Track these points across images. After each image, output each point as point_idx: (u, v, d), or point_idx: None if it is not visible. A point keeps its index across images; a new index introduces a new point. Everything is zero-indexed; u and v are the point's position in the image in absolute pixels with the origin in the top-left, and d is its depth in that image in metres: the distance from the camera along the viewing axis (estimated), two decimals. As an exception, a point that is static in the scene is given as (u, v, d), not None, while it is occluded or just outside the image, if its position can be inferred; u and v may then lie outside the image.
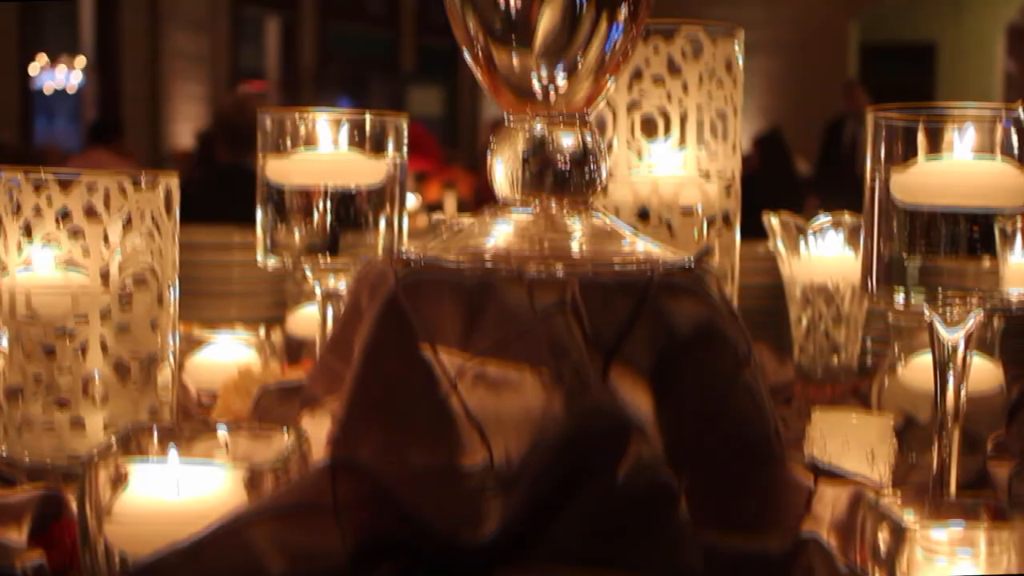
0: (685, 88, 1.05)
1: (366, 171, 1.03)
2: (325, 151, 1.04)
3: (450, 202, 4.74)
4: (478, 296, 0.73)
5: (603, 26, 0.75)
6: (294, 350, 1.37)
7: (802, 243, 1.28)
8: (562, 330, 0.71)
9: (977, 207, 0.81)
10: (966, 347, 0.84)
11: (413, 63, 15.86)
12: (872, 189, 0.86)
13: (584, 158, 0.78)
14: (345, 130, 1.04)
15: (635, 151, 1.05)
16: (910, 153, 0.84)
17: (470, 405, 0.71)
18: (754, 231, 4.96)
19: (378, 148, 1.04)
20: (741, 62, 1.08)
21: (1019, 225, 0.82)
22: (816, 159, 9.21)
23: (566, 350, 0.71)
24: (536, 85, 0.77)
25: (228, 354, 1.19)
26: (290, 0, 13.92)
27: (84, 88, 12.06)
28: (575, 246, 0.79)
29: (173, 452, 0.73)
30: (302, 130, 1.04)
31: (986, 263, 0.81)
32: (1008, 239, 0.81)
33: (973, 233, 0.81)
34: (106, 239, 0.86)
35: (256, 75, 14.07)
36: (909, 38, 17.65)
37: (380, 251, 1.02)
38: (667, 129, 1.05)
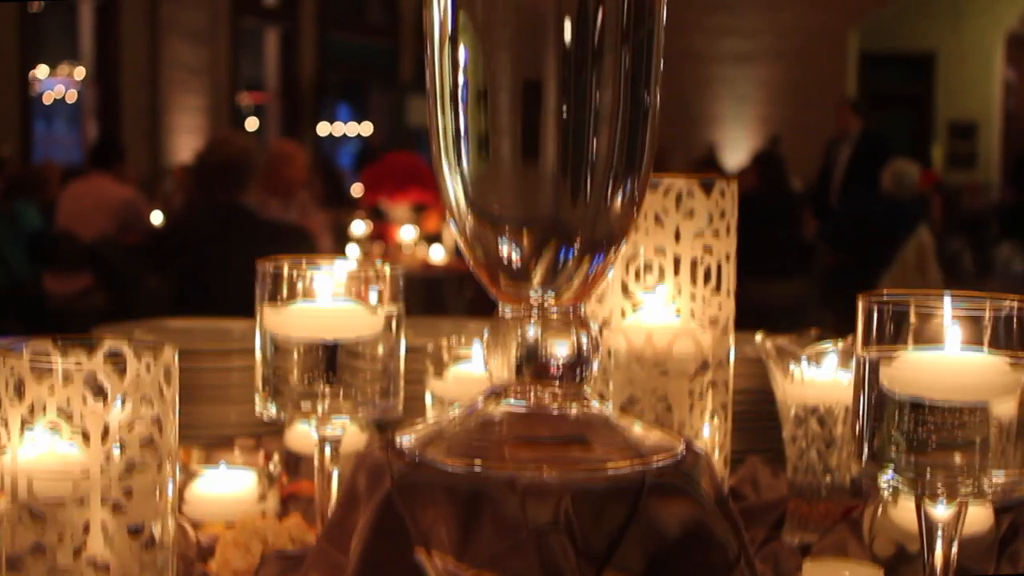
0: (678, 239, 1.07)
1: (363, 323, 1.05)
2: (322, 303, 1.05)
3: (448, 234, 4.77)
4: (472, 504, 0.75)
5: (589, 260, 0.77)
6: (293, 464, 1.38)
7: (794, 365, 1.29)
8: (556, 549, 0.73)
9: (966, 401, 0.82)
10: (954, 526, 0.86)
11: (413, 73, 15.88)
12: (861, 371, 0.87)
13: (577, 360, 0.80)
14: (342, 282, 1.05)
15: (629, 300, 1.07)
16: (899, 339, 0.86)
17: (463, 615, 0.73)
18: (753, 268, 4.93)
19: (375, 299, 1.06)
20: (735, 212, 1.10)
21: (1007, 417, 0.83)
22: (815, 178, 9.23)
23: (559, 571, 0.72)
24: (532, 298, 0.79)
25: (227, 484, 1.20)
26: (290, 11, 13.94)
27: (83, 98, 12.07)
28: (568, 443, 0.80)
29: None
30: (299, 285, 1.05)
31: (974, 454, 0.83)
32: (997, 430, 0.83)
33: (961, 424, 0.82)
34: (106, 429, 0.87)
35: (256, 86, 14.09)
36: (909, 47, 17.67)
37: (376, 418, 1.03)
38: (661, 278, 1.06)
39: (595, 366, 0.81)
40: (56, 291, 6.18)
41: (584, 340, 0.80)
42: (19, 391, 0.87)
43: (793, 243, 6.77)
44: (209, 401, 1.50)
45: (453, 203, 0.77)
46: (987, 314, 0.85)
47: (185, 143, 12.15)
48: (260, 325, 1.06)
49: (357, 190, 10.65)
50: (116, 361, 0.92)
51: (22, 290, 6.60)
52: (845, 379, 1.28)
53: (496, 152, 0.72)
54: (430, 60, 0.76)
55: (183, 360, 1.55)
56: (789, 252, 6.73)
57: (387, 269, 1.05)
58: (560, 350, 0.79)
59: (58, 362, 0.90)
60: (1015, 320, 0.85)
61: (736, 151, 15.83)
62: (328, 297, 1.05)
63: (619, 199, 0.78)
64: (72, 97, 12.08)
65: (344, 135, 16.27)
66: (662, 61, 0.75)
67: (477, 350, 1.24)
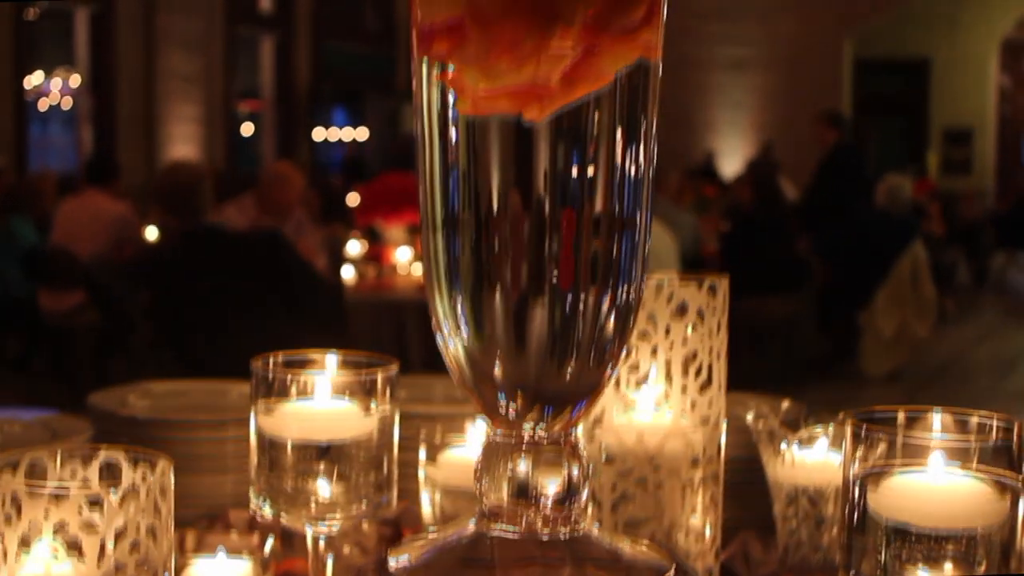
0: (670, 338, 1.08)
1: (357, 424, 1.05)
2: (316, 403, 1.06)
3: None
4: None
5: (579, 403, 0.79)
6: (287, 539, 1.39)
7: (785, 447, 1.30)
8: None
9: (952, 529, 0.83)
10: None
11: (408, 81, 15.87)
12: (848, 492, 0.88)
13: (567, 491, 0.80)
14: (337, 383, 1.06)
15: (620, 399, 1.08)
16: (887, 458, 0.86)
17: None
18: (748, 282, 4.96)
19: (369, 400, 1.07)
20: (725, 308, 1.10)
21: (993, 544, 0.84)
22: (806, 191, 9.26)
23: None
24: (524, 429, 0.80)
25: (223, 572, 1.21)
26: (285, 19, 13.95)
27: (78, 105, 12.07)
28: (558, 567, 0.81)
29: None
30: (293, 388, 1.06)
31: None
32: (984, 557, 0.84)
33: (947, 551, 0.83)
34: (102, 548, 0.88)
35: (251, 94, 14.09)
36: (904, 54, 17.72)
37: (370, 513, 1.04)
38: (652, 377, 1.07)
39: (585, 495, 0.82)
40: (50, 308, 6.19)
41: (575, 471, 0.81)
42: (16, 509, 0.87)
43: (788, 259, 6.79)
44: (204, 471, 1.51)
45: (452, 361, 0.80)
46: (973, 440, 0.87)
47: (181, 152, 12.15)
48: (254, 423, 1.07)
49: (352, 199, 10.67)
50: (112, 472, 0.93)
51: (17, 306, 6.61)
52: (836, 460, 1.29)
53: (491, 337, 0.77)
54: (425, 243, 0.83)
55: (178, 430, 1.56)
56: (783, 268, 6.75)
57: (379, 372, 1.06)
58: (551, 482, 0.80)
59: (53, 483, 0.91)
60: (1001, 444, 0.86)
61: (732, 158, 15.86)
62: (322, 396, 1.06)
63: (607, 370, 0.81)
64: (67, 103, 12.08)
65: (340, 140, 16.28)
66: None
67: (470, 434, 1.25)
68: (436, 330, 0.80)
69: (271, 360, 1.07)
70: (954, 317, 9.92)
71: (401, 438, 1.12)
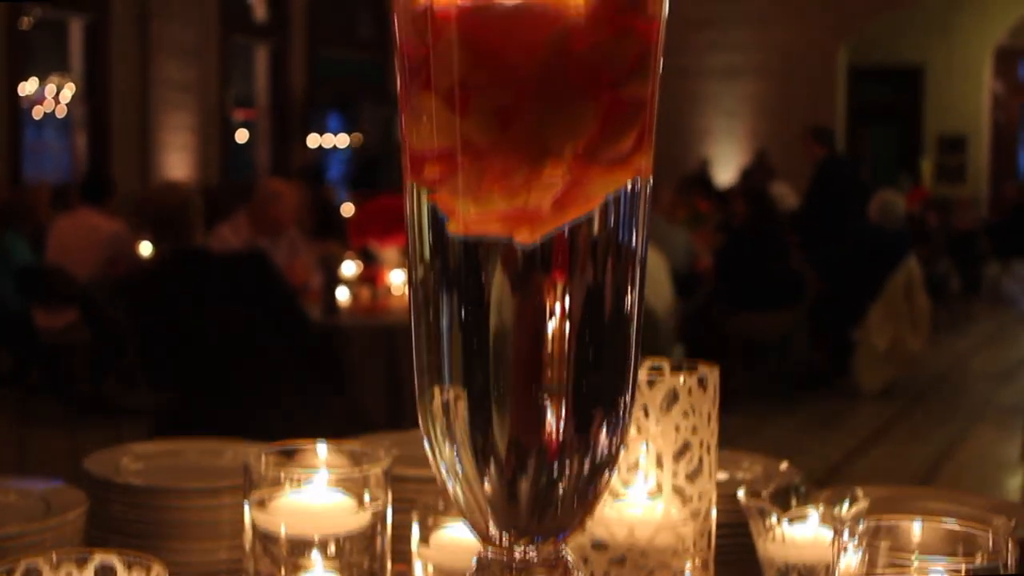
0: (661, 431, 1.08)
1: (351, 519, 1.06)
2: (309, 497, 1.07)
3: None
4: None
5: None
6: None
7: (775, 524, 1.31)
8: None
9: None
10: None
11: (403, 88, 15.88)
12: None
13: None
14: (331, 479, 1.07)
15: (610, 491, 1.08)
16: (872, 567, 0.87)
17: None
18: (742, 297, 4.98)
19: (363, 494, 1.07)
20: (716, 400, 1.11)
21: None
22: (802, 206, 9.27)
23: None
24: (515, 551, 0.81)
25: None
26: (279, 28, 13.94)
27: (73, 114, 12.06)
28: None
29: None
30: (287, 483, 1.06)
31: None
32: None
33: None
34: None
35: (246, 103, 14.09)
36: (897, 61, 17.74)
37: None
38: (642, 470, 1.08)
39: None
40: (44, 325, 6.19)
41: (564, 591, 0.81)
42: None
43: (782, 275, 6.80)
44: (198, 538, 1.51)
45: (444, 487, 0.83)
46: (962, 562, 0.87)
47: (175, 161, 12.16)
48: (248, 516, 1.08)
49: (347, 209, 10.66)
50: (106, 577, 0.94)
51: (11, 321, 6.60)
52: (827, 536, 1.30)
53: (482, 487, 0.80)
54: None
55: (172, 498, 1.56)
56: (778, 284, 6.76)
57: (373, 468, 1.07)
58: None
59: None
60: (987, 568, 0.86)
61: (726, 166, 15.88)
62: (316, 491, 1.06)
63: (597, 501, 0.83)
64: (62, 111, 12.07)
65: (335, 147, 16.28)
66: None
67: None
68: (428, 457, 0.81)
69: (263, 456, 1.07)
70: (948, 327, 9.94)
71: (394, 515, 1.13)
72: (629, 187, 0.83)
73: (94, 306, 4.94)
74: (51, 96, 11.85)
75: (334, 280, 5.18)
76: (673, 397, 1.07)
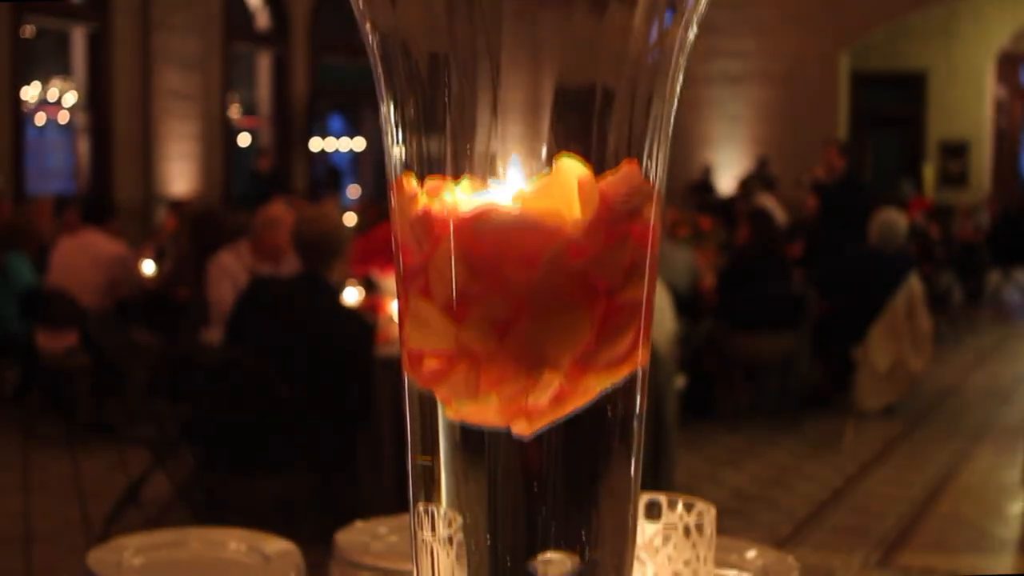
0: (657, 559, 1.09)
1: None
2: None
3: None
4: None
5: None
6: None
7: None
8: None
9: None
10: None
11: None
12: None
13: None
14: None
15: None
16: None
17: None
18: (745, 322, 4.98)
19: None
20: (712, 545, 1.12)
21: None
22: (803, 220, 9.27)
23: None
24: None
25: None
26: (282, 36, 13.95)
27: (75, 124, 12.07)
28: None
29: None
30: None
31: None
32: None
33: None
34: None
35: (248, 111, 14.10)
36: (900, 67, 17.73)
37: None
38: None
39: None
40: (47, 347, 6.20)
41: None
42: None
43: (784, 297, 6.80)
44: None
45: None
46: None
47: (178, 170, 12.17)
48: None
49: (350, 219, 10.66)
50: None
51: (14, 341, 6.62)
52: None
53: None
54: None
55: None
56: (779, 306, 6.76)
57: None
58: None
59: None
60: None
61: (729, 171, 15.88)
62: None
63: None
64: (64, 117, 12.08)
65: (337, 150, 16.29)
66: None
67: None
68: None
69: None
70: (950, 340, 9.94)
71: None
72: (627, 378, 0.83)
73: (94, 335, 4.93)
74: (53, 100, 11.86)
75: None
76: (668, 540, 1.07)
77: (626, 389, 0.83)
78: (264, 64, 14.03)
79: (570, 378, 0.80)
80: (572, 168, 0.78)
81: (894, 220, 7.10)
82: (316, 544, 1.67)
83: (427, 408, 0.84)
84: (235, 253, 5.29)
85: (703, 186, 15.41)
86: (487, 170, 0.80)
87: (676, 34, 0.82)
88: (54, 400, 6.51)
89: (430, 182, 0.81)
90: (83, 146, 11.97)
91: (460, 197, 0.80)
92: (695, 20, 0.83)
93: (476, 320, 0.78)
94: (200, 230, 5.96)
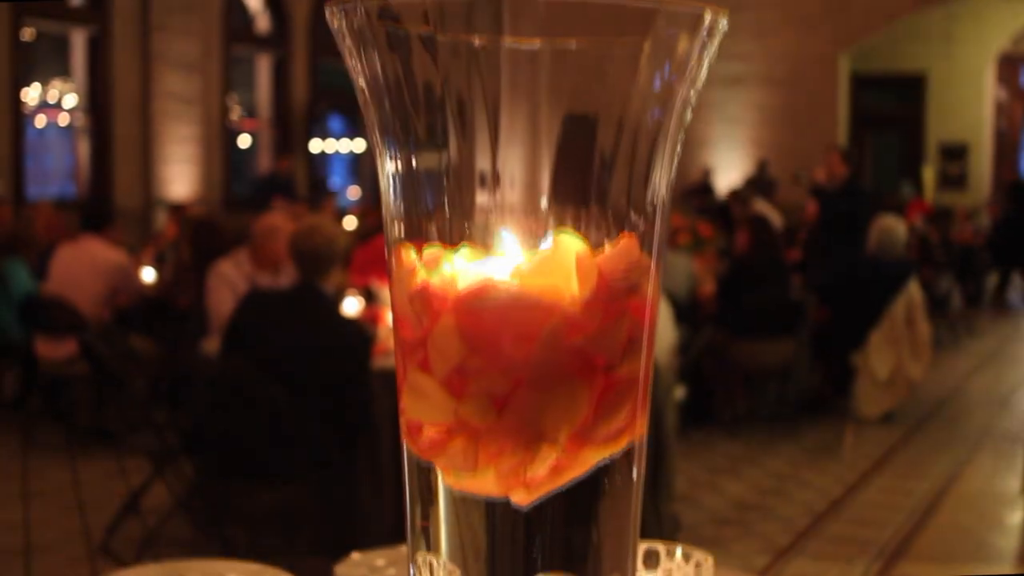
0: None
1: None
2: None
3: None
4: None
5: None
6: None
7: None
8: None
9: None
10: None
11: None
12: None
13: None
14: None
15: None
16: None
17: None
18: (744, 329, 4.98)
19: None
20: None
21: None
22: (803, 228, 9.26)
23: None
24: None
25: None
26: (282, 38, 13.94)
27: (75, 127, 12.07)
28: None
29: None
30: None
31: None
32: None
33: None
34: None
35: (248, 114, 14.10)
36: (900, 69, 17.73)
37: None
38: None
39: None
40: (46, 355, 6.20)
41: None
42: None
43: (783, 304, 6.80)
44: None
45: None
46: None
47: (178, 173, 12.17)
48: None
49: (350, 223, 10.66)
50: None
51: (13, 348, 6.62)
52: None
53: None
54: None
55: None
56: (779, 313, 6.76)
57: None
58: None
59: None
60: None
61: (728, 174, 15.89)
62: None
63: None
64: (64, 119, 12.08)
65: (336, 151, 16.28)
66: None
67: None
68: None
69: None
70: (950, 344, 9.95)
71: None
72: (625, 449, 0.84)
73: (93, 348, 4.93)
74: (53, 101, 11.86)
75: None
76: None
77: (624, 459, 0.83)
78: (264, 67, 14.03)
79: (568, 451, 0.80)
80: (570, 244, 0.78)
81: (893, 227, 7.10)
82: (316, 555, 1.67)
83: (426, 475, 0.84)
84: (234, 262, 5.29)
85: (703, 189, 15.42)
86: (485, 239, 0.80)
87: (673, 111, 0.83)
88: (53, 407, 6.51)
89: (428, 252, 0.81)
90: (83, 149, 11.97)
91: (459, 267, 0.80)
92: (692, 97, 0.83)
93: (475, 395, 0.79)
94: (200, 238, 5.96)
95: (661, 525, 4.73)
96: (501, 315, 0.77)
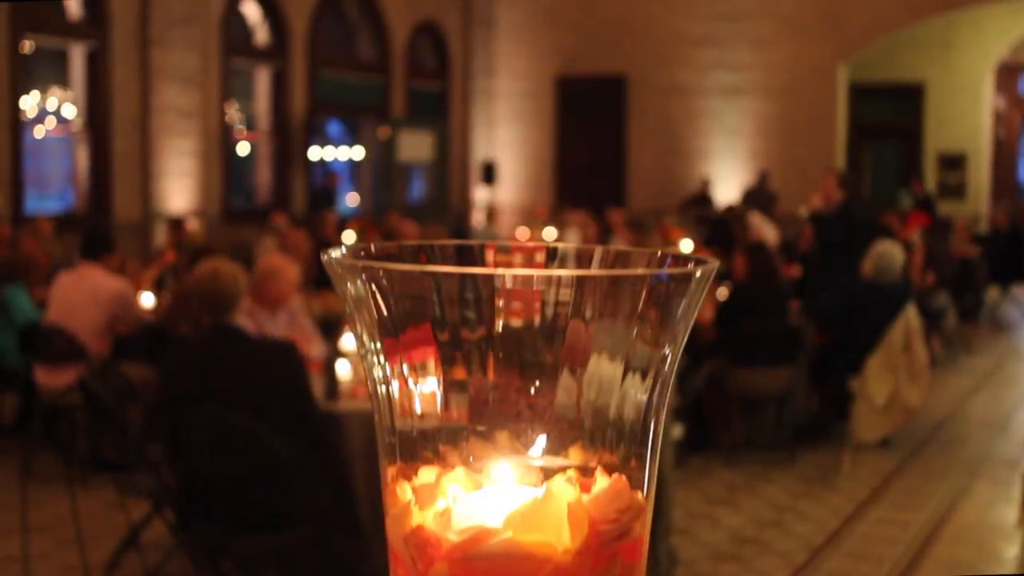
0: None
1: None
2: None
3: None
4: None
5: None
6: None
7: None
8: None
9: None
10: None
11: (403, 108, 15.91)
12: None
13: None
14: None
15: None
16: None
17: None
18: (742, 357, 4.98)
19: None
20: None
21: None
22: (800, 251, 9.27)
23: None
24: None
25: None
26: (280, 51, 13.95)
27: (74, 141, 12.07)
28: None
29: None
30: None
31: None
32: None
33: None
34: None
35: (248, 126, 14.11)
36: (898, 78, 17.75)
37: None
38: None
39: None
40: (45, 384, 6.21)
41: None
42: None
43: (782, 332, 6.82)
44: None
45: None
46: None
47: (176, 187, 12.17)
48: None
49: (349, 238, 10.67)
50: None
51: (12, 375, 6.63)
52: None
53: None
54: None
55: None
56: (778, 341, 6.78)
57: None
58: None
59: None
60: None
61: (727, 184, 15.90)
62: None
63: None
64: (62, 131, 12.08)
65: (336, 159, 16.29)
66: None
67: None
68: None
69: None
70: (947, 363, 9.95)
71: None
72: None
73: (91, 386, 4.95)
74: (52, 116, 11.86)
75: (335, 353, 5.22)
76: None
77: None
78: (263, 79, 14.04)
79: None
80: (562, 493, 0.79)
81: (890, 252, 7.11)
82: None
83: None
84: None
85: (701, 199, 15.44)
86: (479, 474, 0.81)
87: (670, 355, 0.84)
88: (53, 436, 6.52)
89: (422, 479, 0.82)
90: (82, 163, 11.98)
91: (453, 504, 0.81)
92: (685, 338, 0.84)
93: (469, 642, 0.80)
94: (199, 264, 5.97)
95: (658, 562, 4.74)
96: (494, 566, 0.79)
